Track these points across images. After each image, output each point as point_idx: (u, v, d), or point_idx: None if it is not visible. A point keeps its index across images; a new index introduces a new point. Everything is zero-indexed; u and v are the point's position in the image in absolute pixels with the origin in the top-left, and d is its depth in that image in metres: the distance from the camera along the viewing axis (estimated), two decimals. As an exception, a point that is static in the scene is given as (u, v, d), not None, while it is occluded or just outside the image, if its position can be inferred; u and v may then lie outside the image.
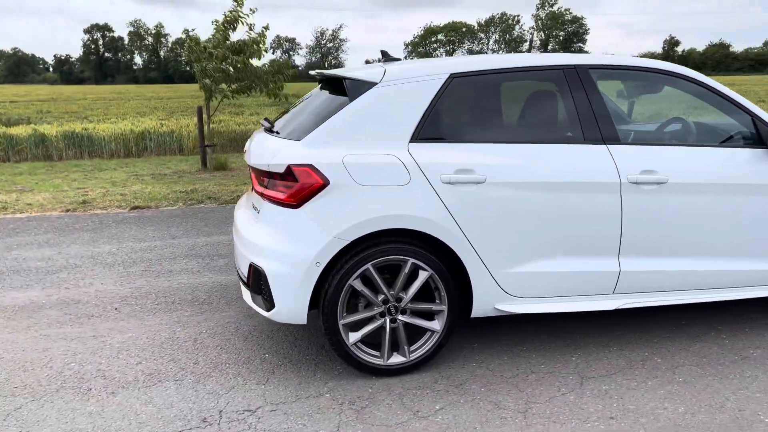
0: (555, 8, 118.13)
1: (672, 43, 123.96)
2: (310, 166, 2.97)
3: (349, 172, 2.99)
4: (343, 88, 3.26)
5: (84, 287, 4.55)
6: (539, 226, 3.16)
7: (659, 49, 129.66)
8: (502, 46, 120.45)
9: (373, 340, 3.14)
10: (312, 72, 3.90)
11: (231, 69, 10.40)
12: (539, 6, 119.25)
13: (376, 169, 3.02)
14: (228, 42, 10.50)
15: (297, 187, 2.97)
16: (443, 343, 3.20)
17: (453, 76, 3.21)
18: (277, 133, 3.36)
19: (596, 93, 3.33)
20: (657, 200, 3.25)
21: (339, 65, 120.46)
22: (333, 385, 3.07)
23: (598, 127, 3.27)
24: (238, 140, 14.53)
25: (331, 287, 3.00)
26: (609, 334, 3.62)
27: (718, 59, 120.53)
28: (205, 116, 11.11)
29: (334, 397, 2.95)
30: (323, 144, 3.05)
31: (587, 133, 3.26)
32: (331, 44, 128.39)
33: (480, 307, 3.20)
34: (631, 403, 2.87)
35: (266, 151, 3.19)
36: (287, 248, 3.00)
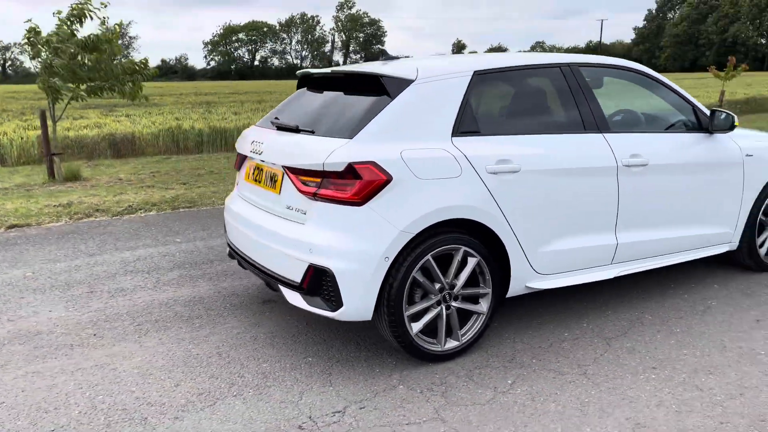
0: (353, 11, 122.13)
1: (459, 46, 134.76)
2: (373, 163, 3.00)
3: (409, 167, 3.06)
4: (371, 85, 3.31)
5: (31, 316, 3.99)
6: (562, 209, 3.50)
7: (448, 52, 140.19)
8: (305, 46, 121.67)
9: (424, 329, 3.25)
10: (336, 68, 3.81)
11: (84, 66, 9.45)
12: (338, 8, 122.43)
13: (431, 162, 3.13)
14: (76, 38, 9.52)
15: (361, 185, 2.97)
16: (488, 324, 3.41)
17: (476, 73, 3.42)
18: (310, 131, 3.31)
19: (589, 87, 3.77)
20: (641, 180, 3.77)
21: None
22: (399, 376, 3.13)
23: (593, 117, 3.70)
24: (88, 147, 13.20)
25: (396, 280, 3.05)
26: (598, 301, 4.09)
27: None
28: (49, 120, 9.97)
29: (410, 387, 3.02)
30: (377, 140, 3.08)
31: (587, 123, 3.67)
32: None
33: (515, 287, 3.46)
34: (660, 354, 3.33)
35: (314, 150, 3.13)
36: (355, 245, 2.99)
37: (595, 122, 3.70)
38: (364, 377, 3.13)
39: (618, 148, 3.70)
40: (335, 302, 3.02)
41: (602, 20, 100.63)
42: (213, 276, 4.74)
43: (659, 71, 11.22)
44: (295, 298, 3.20)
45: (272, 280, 3.37)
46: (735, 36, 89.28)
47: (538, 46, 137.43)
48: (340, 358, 3.34)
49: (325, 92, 3.68)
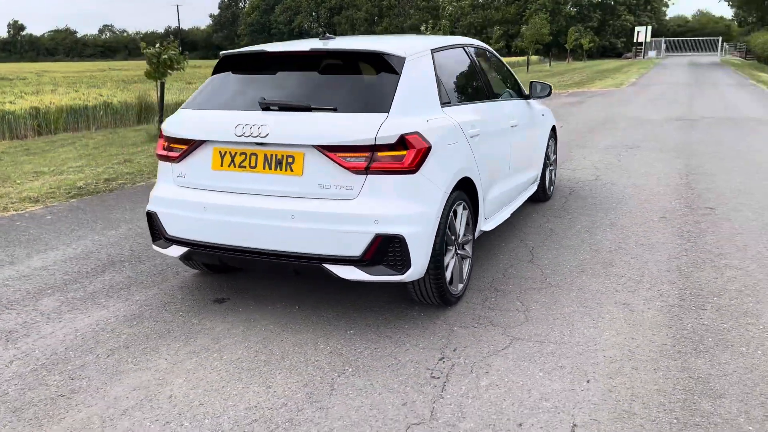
0: None
1: (17, 27, 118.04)
2: (417, 132, 3.29)
3: (437, 135, 3.45)
4: (372, 62, 3.53)
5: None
6: (494, 164, 4.30)
7: (4, 33, 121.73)
8: None
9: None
10: (318, 46, 3.69)
11: None
12: None
13: (446, 130, 3.56)
14: None
15: (414, 153, 3.25)
16: (472, 266, 4.02)
17: (432, 51, 3.92)
18: (331, 109, 3.34)
19: (480, 63, 4.61)
20: (514, 137, 4.82)
21: None
22: (443, 327, 3.54)
23: (491, 87, 4.59)
24: None
25: (439, 237, 3.43)
26: (495, 250, 5.02)
27: (69, 45, 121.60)
28: None
29: (466, 326, 3.48)
30: (406, 113, 3.36)
31: (489, 92, 4.54)
32: None
33: (478, 231, 4.14)
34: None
35: (359, 126, 3.21)
36: (417, 209, 3.26)
37: (493, 91, 4.58)
38: (422, 334, 3.43)
39: (506, 112, 4.66)
40: (402, 266, 3.24)
41: (177, 5, 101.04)
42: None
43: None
44: (349, 272, 3.25)
45: (301, 264, 3.32)
46: (300, 26, 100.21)
47: (108, 30, 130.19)
48: (380, 323, 3.53)
49: (308, 70, 3.64)
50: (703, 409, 2.62)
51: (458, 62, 4.35)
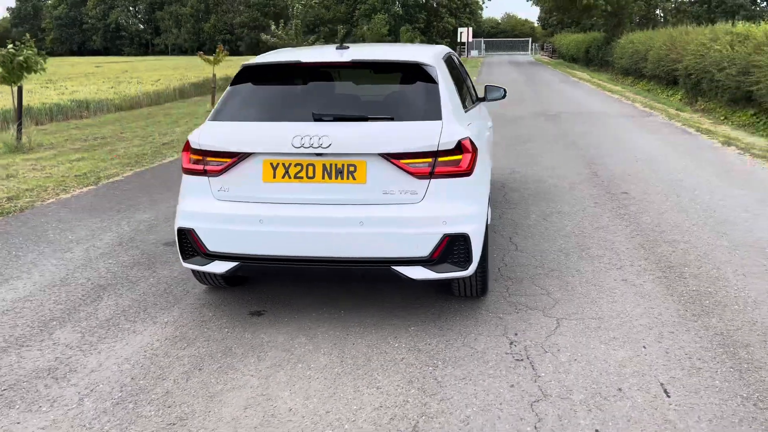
0: None
1: None
2: (468, 138, 3.58)
3: (477, 139, 3.76)
4: (409, 71, 3.76)
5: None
6: (486, 167, 4.70)
7: None
8: None
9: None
10: (358, 58, 3.75)
11: None
12: None
13: (479, 133, 3.88)
14: None
15: (469, 157, 3.53)
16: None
17: (443, 59, 4.22)
18: (388, 118, 3.51)
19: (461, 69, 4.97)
20: (488, 137, 5.26)
21: None
22: (489, 316, 3.88)
23: (475, 91, 4.97)
24: None
25: (485, 232, 3.75)
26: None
27: None
28: None
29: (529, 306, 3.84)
30: (453, 120, 3.63)
31: (473, 97, 4.92)
32: None
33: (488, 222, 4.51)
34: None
35: (421, 134, 3.43)
36: (475, 209, 3.55)
37: (476, 95, 4.97)
38: (479, 322, 3.74)
39: (484, 115, 5.08)
40: (465, 262, 3.51)
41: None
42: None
43: (48, 54, 12.32)
44: (417, 272, 3.46)
45: (369, 268, 3.46)
46: (116, 21, 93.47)
47: None
48: (438, 317, 3.77)
49: (344, 80, 3.74)
50: (742, 356, 3.22)
51: (454, 69, 4.67)
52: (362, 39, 41.58)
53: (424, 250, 3.43)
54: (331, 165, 3.46)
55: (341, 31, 33.37)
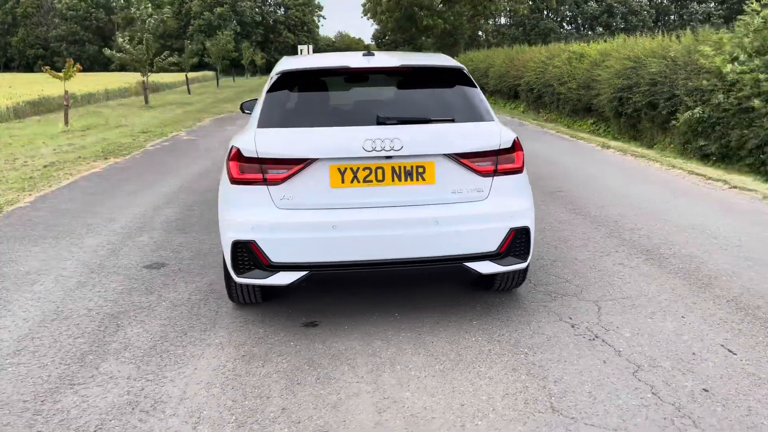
0: None
1: None
2: (517, 137, 3.82)
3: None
4: (450, 76, 3.91)
5: None
6: None
7: None
8: None
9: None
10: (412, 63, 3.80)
11: None
12: None
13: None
14: None
15: (521, 155, 3.77)
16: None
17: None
18: (450, 120, 3.64)
19: None
20: None
21: None
22: (534, 305, 4.13)
23: None
24: None
25: (532, 225, 4.00)
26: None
27: None
28: None
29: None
30: (498, 121, 3.86)
31: None
32: None
33: None
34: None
35: (486, 134, 3.61)
36: (529, 203, 3.78)
37: None
38: (528, 311, 3.97)
39: None
40: (525, 253, 3.74)
41: None
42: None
43: None
44: (486, 267, 3.62)
45: (442, 266, 3.56)
46: None
47: None
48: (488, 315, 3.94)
49: (390, 86, 3.79)
50: (761, 315, 3.77)
51: None
52: (206, 54, 40.36)
53: (493, 245, 3.59)
54: (400, 167, 3.50)
55: (189, 47, 32.06)
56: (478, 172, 3.57)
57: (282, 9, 68.97)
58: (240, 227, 3.51)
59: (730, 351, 3.35)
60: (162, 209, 6.73)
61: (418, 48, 59.50)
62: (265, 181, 3.48)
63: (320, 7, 73.68)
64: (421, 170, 3.52)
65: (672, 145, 11.02)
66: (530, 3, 44.90)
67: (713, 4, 52.07)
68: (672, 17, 54.08)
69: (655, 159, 9.67)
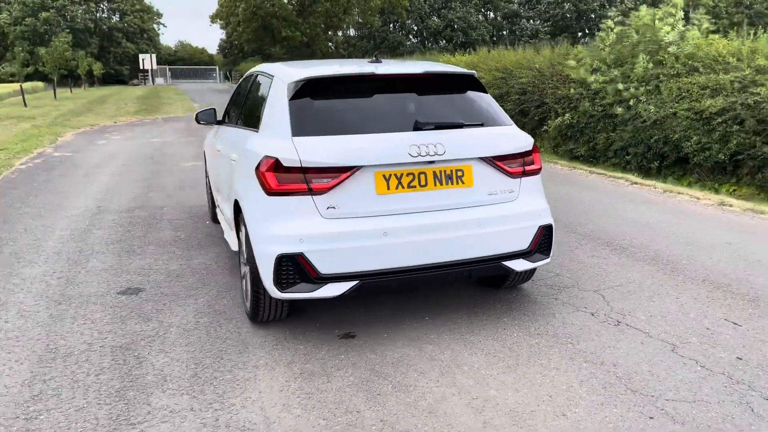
0: None
1: None
2: (534, 140, 4.03)
3: None
4: (463, 83, 4.03)
5: None
6: None
7: None
8: None
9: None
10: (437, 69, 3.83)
11: None
12: None
13: None
14: None
15: (539, 156, 3.98)
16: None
17: None
18: (479, 124, 3.76)
19: None
20: None
21: None
22: (552, 297, 4.36)
23: None
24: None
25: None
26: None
27: None
28: None
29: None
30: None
31: None
32: None
33: None
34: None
35: (515, 138, 3.77)
36: (546, 201, 4.00)
37: None
38: (549, 307, 4.19)
39: None
40: (548, 250, 3.95)
41: None
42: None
43: None
44: (519, 264, 3.79)
45: (481, 267, 3.68)
46: None
47: None
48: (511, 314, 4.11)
49: (410, 92, 3.82)
50: (740, 291, 4.29)
51: None
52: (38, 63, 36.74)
53: (525, 243, 3.76)
54: (441, 171, 3.56)
55: (20, 54, 28.97)
56: (509, 174, 3.72)
57: (117, 15, 64.71)
58: (285, 240, 3.36)
59: (735, 323, 3.80)
60: (92, 231, 6.13)
61: (266, 58, 58.84)
62: (310, 191, 3.37)
63: (159, 15, 70.13)
64: (460, 174, 3.59)
65: (543, 149, 11.98)
66: (380, 16, 46.32)
67: (539, 21, 57.11)
68: (505, 32, 58.55)
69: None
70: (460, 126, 3.71)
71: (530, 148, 3.84)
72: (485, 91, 4.06)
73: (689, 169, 8.83)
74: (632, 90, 10.34)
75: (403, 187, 3.48)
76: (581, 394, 3.03)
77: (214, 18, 44.82)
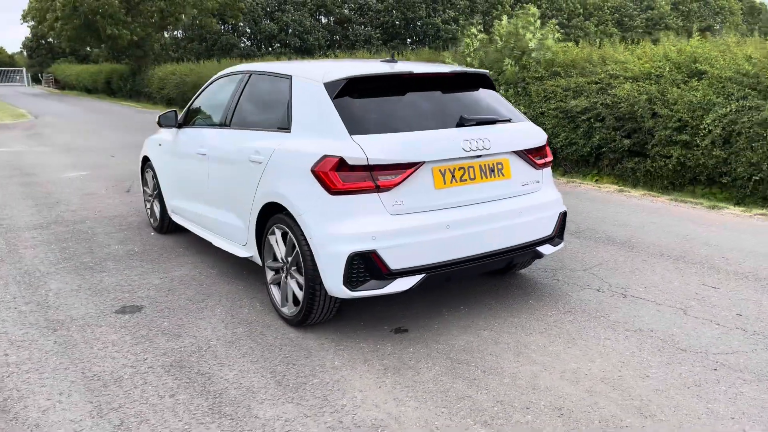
0: None
1: None
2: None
3: None
4: (477, 81, 4.23)
5: None
6: None
7: None
8: None
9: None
10: (459, 68, 3.95)
11: None
12: None
13: None
14: None
15: (549, 149, 4.30)
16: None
17: None
18: (507, 120, 4.01)
19: None
20: None
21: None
22: (566, 285, 4.72)
23: None
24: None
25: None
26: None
27: None
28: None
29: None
30: None
31: None
32: None
33: None
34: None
35: (539, 132, 4.05)
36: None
37: None
38: (572, 291, 4.55)
39: None
40: (562, 235, 4.30)
41: None
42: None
43: None
44: (547, 249, 4.08)
45: (521, 253, 3.93)
46: None
47: None
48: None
49: (435, 90, 3.96)
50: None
51: None
52: None
53: (551, 229, 4.08)
54: (485, 165, 3.75)
55: None
56: (536, 166, 4.01)
57: None
58: (356, 239, 3.35)
59: (712, 287, 4.43)
60: (19, 252, 5.43)
61: (81, 60, 54.17)
62: (377, 188, 3.39)
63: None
64: (500, 167, 3.81)
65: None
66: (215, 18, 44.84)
67: (370, 28, 58.99)
68: (337, 37, 59.63)
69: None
70: (494, 122, 3.91)
71: (545, 141, 4.16)
72: (495, 89, 4.30)
73: (557, 163, 9.75)
74: (502, 92, 11.21)
75: (456, 181, 3.62)
76: (646, 357, 3.39)
77: (26, 15, 40.28)
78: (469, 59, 13.23)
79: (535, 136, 4.05)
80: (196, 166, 4.86)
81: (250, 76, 4.53)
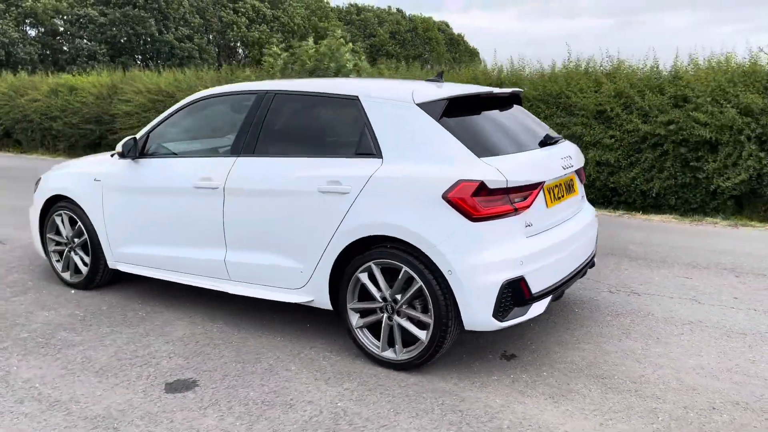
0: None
1: None
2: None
3: None
4: (515, 101, 4.32)
5: None
6: None
7: None
8: None
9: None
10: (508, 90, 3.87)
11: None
12: None
13: None
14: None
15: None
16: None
17: None
18: (558, 140, 4.16)
19: None
20: None
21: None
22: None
23: None
24: None
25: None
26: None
27: None
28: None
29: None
30: None
31: None
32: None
33: None
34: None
35: (578, 155, 4.25)
36: None
37: None
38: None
39: None
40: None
41: None
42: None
43: None
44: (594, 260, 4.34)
45: (586, 267, 4.04)
46: None
47: None
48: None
49: (507, 109, 3.98)
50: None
51: None
52: None
53: (595, 240, 4.33)
54: (566, 183, 3.87)
55: None
56: (581, 181, 4.23)
57: None
58: (506, 266, 3.24)
59: (687, 278, 5.12)
60: None
61: None
62: (515, 211, 3.30)
63: None
64: (573, 184, 3.97)
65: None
66: None
67: (95, 42, 53.75)
68: (48, 51, 53.12)
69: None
70: (554, 142, 4.02)
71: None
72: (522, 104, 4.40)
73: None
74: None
75: (557, 199, 3.68)
76: (708, 347, 3.78)
77: None
78: (277, 78, 13.12)
79: (580, 153, 4.26)
80: (188, 203, 4.06)
81: (274, 97, 3.94)
